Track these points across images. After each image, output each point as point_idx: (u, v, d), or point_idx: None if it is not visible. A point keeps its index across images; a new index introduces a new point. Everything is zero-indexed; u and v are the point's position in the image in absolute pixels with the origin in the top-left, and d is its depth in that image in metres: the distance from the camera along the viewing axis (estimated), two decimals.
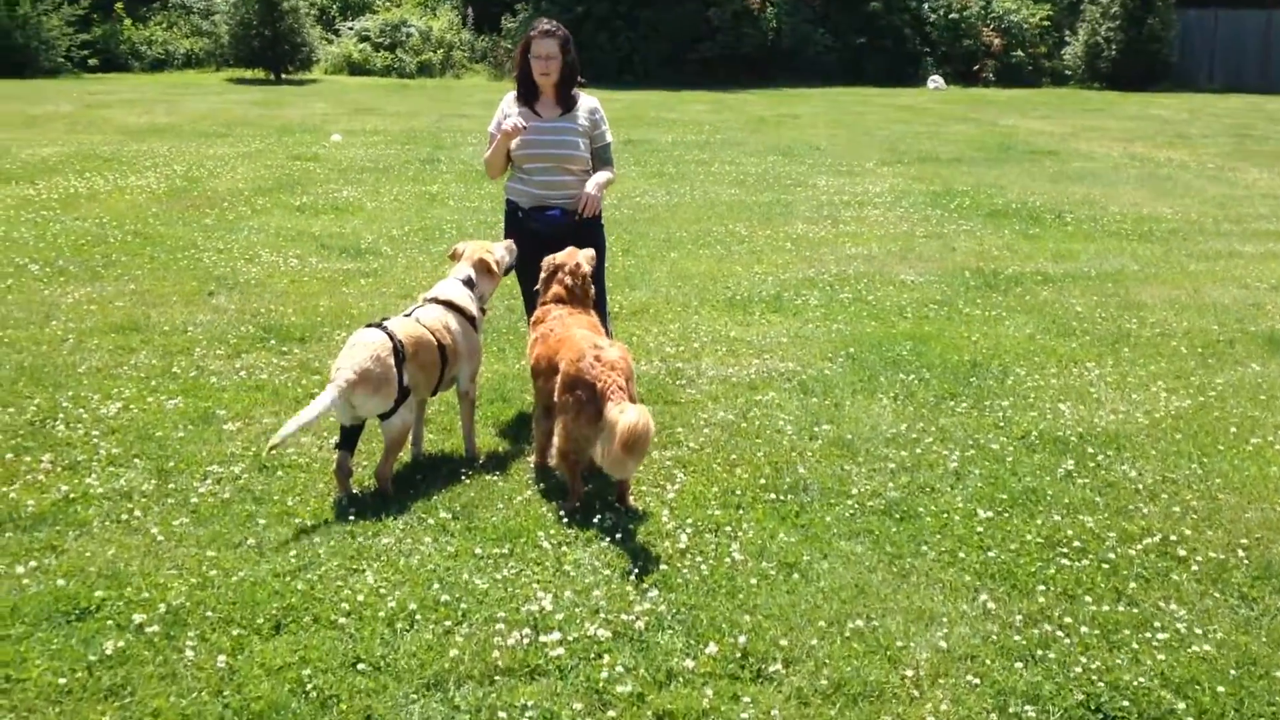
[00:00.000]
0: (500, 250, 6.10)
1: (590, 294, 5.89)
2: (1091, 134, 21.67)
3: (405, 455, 5.72)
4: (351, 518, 5.02)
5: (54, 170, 14.81)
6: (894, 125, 22.69)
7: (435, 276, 9.78)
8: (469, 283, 5.85)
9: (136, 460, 5.63)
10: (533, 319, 5.89)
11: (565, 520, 5.06)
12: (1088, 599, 4.51)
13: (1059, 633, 4.28)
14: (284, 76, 32.17)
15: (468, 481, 5.45)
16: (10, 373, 6.84)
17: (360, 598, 4.35)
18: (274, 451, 5.24)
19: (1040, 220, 12.67)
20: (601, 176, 6.30)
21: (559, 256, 5.90)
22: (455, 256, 6.08)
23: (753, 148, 18.84)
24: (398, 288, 9.29)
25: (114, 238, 10.83)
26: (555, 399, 5.21)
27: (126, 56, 33.96)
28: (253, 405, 6.43)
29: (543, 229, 6.25)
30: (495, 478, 5.52)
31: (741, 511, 5.21)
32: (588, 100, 6.42)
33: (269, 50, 31.60)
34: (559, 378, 5.18)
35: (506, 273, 6.17)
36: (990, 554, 4.84)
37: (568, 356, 5.17)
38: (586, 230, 6.33)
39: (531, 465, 5.67)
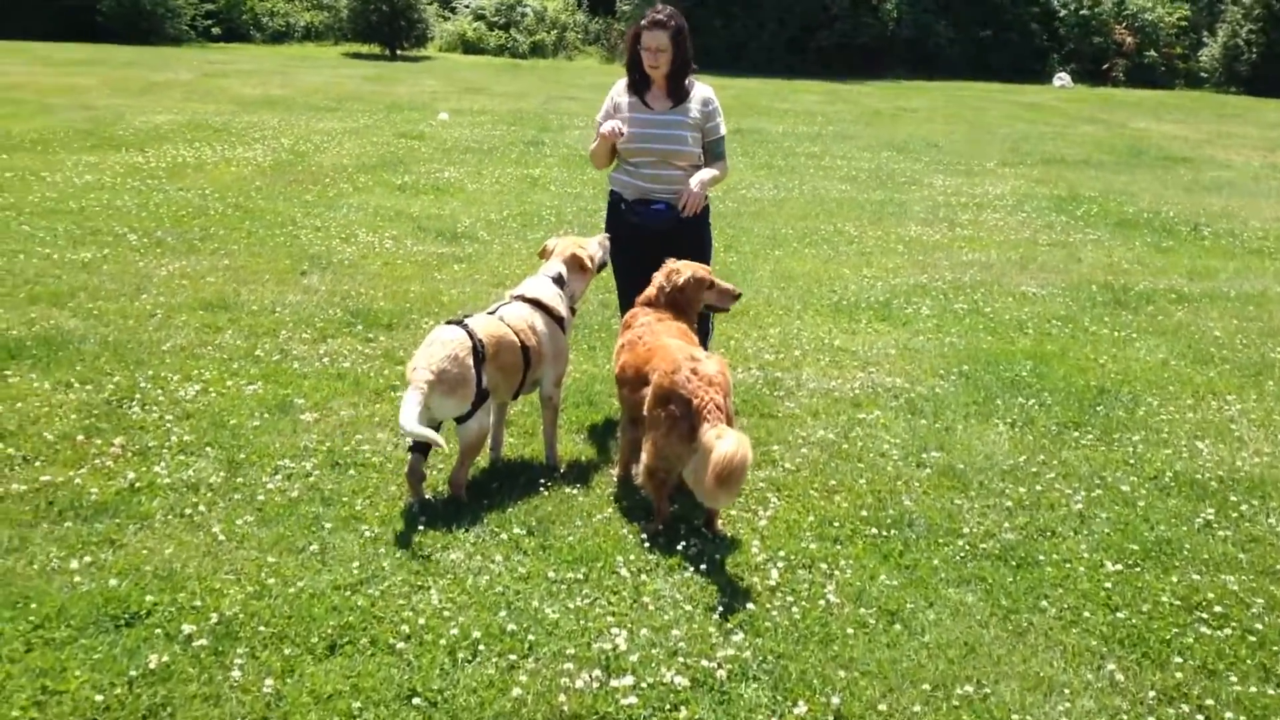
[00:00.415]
0: (594, 245, 5.75)
1: (691, 304, 5.48)
2: (1229, 141, 20.50)
3: (483, 460, 5.41)
4: (421, 527, 4.72)
5: (165, 138, 14.93)
6: (1016, 124, 21.78)
7: (529, 265, 9.48)
8: (559, 280, 5.52)
9: (208, 449, 5.41)
10: (623, 321, 5.52)
11: (647, 544, 4.68)
12: (1231, 676, 3.98)
13: (1198, 716, 3.77)
14: (399, 53, 32.39)
15: (546, 493, 5.11)
16: (94, 347, 6.71)
17: (422, 620, 4.03)
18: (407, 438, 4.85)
19: (1174, 233, 11.87)
20: (706, 174, 5.88)
21: (674, 262, 5.47)
22: (545, 255, 5.72)
23: (866, 142, 18.20)
24: (490, 275, 9.02)
25: (215, 210, 10.77)
26: (645, 412, 4.82)
27: (248, 27, 34.58)
28: (332, 395, 6.18)
29: (645, 223, 5.93)
30: (575, 490, 5.17)
31: (839, 546, 4.78)
32: (702, 90, 5.99)
33: (385, 26, 31.86)
34: (650, 390, 4.79)
35: (600, 269, 5.80)
36: (1119, 615, 4.33)
37: (661, 368, 4.77)
38: (690, 227, 5.95)
39: (614, 477, 5.31)
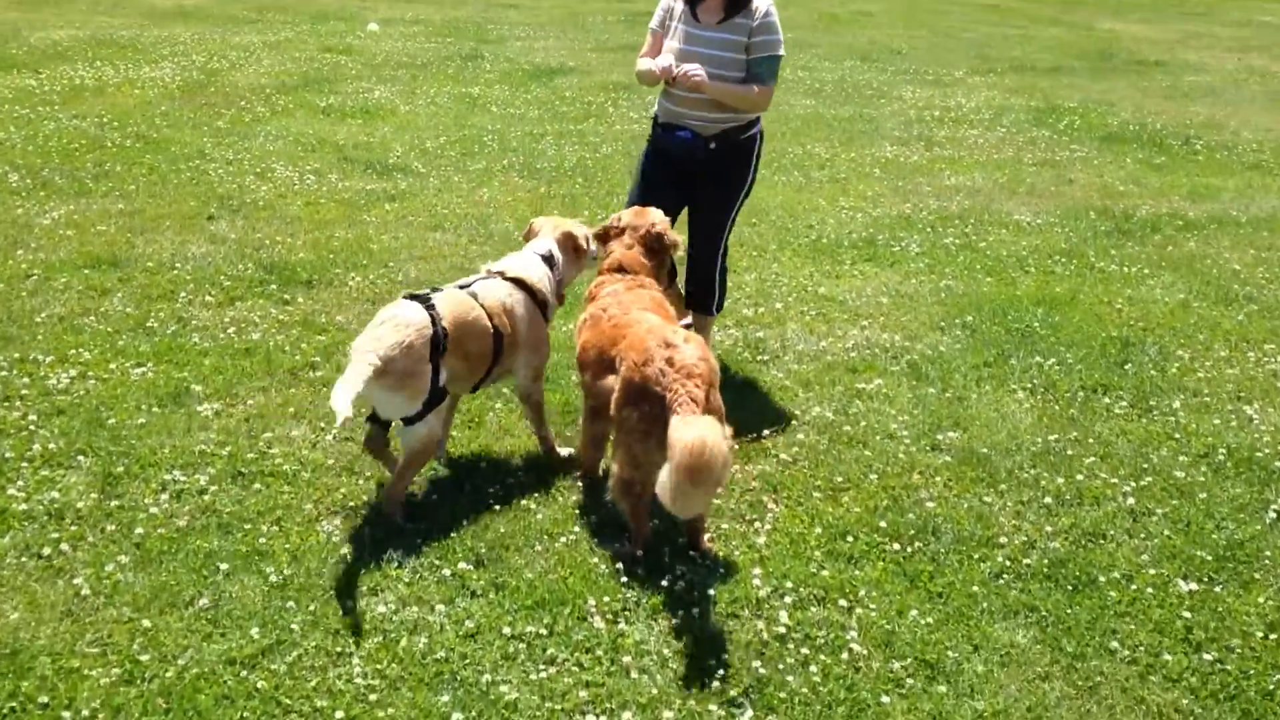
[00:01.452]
0: (585, 230, 4.85)
1: (664, 264, 4.61)
2: (1199, 41, 19.63)
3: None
4: (344, 558, 3.81)
5: (63, 57, 13.48)
6: (980, 26, 20.72)
7: (470, 202, 8.49)
8: (549, 260, 4.63)
9: (80, 458, 4.43)
10: (588, 291, 4.58)
11: (622, 574, 3.81)
12: None
13: None
14: None
15: (497, 507, 4.21)
16: None
17: (340, 713, 3.14)
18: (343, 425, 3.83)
19: (1165, 147, 11.03)
20: (725, 86, 4.98)
21: (625, 215, 4.68)
22: (531, 235, 4.83)
23: (826, 50, 17.10)
24: (427, 216, 7.97)
25: (112, 142, 9.54)
26: (614, 411, 3.91)
27: None
28: (237, 378, 5.20)
29: (673, 150, 5.23)
30: (531, 502, 4.27)
31: (856, 568, 3.94)
32: (763, 1, 5.05)
33: None
34: (619, 383, 3.88)
35: (593, 259, 4.88)
36: (1204, 656, 3.54)
37: (630, 357, 3.86)
38: (726, 159, 5.17)
39: (576, 482, 4.41)
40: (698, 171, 5.19)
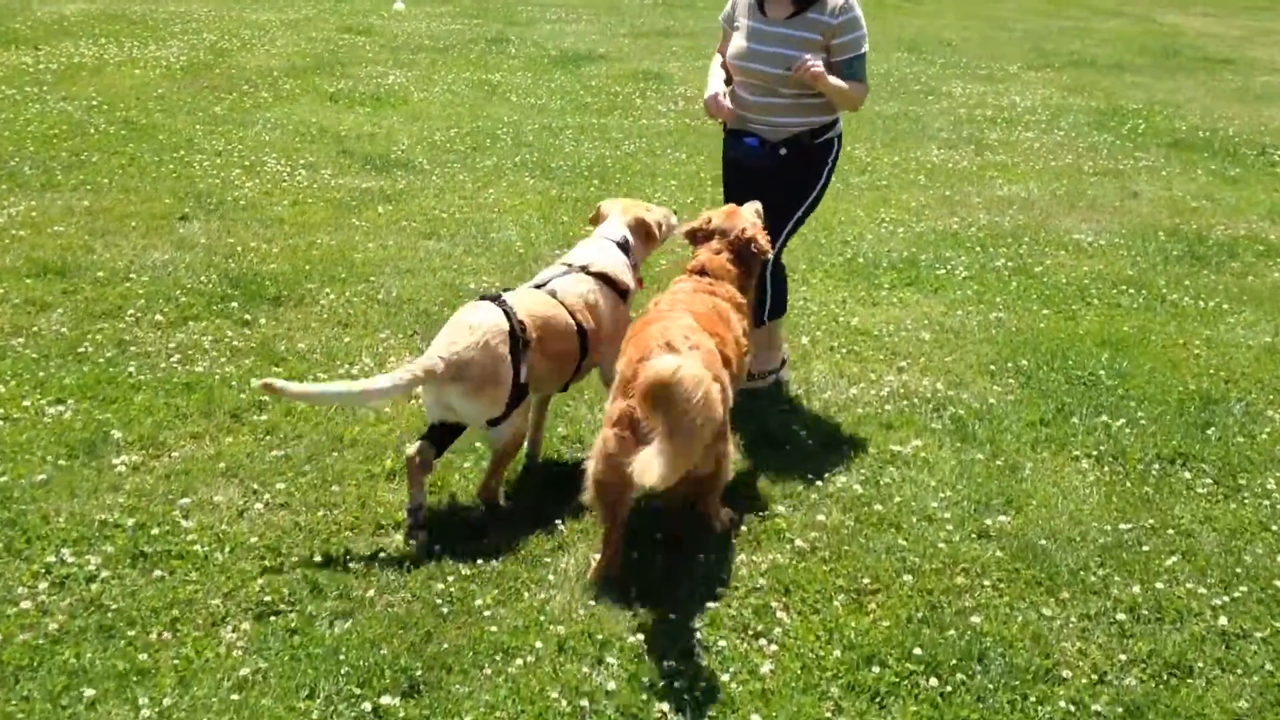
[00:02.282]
0: (660, 213, 4.73)
1: (753, 272, 4.39)
2: (1270, 39, 18.47)
3: (459, 483, 3.75)
4: (242, 681, 3.08)
5: (67, 33, 12.85)
6: (1035, 18, 19.67)
7: (473, 204, 7.73)
8: (624, 246, 4.49)
9: None
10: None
11: (588, 714, 3.05)
12: None
13: None
14: None
15: (444, 610, 3.45)
16: None
17: None
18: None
19: (1239, 158, 10.07)
20: (839, 84, 4.63)
21: (716, 216, 4.39)
22: (597, 220, 4.68)
23: (874, 40, 15.86)
24: (423, 220, 7.23)
25: (95, 128, 8.88)
26: (607, 403, 3.73)
27: None
28: (168, 420, 4.48)
29: (740, 159, 4.91)
30: (489, 600, 3.52)
31: (881, 710, 3.16)
32: None
33: None
34: (616, 376, 3.71)
35: (665, 240, 4.79)
36: None
37: (630, 352, 3.68)
38: (797, 165, 4.79)
39: (548, 579, 3.66)
40: (770, 179, 4.78)
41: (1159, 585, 3.76)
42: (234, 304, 5.68)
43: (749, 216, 4.39)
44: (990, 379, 5.36)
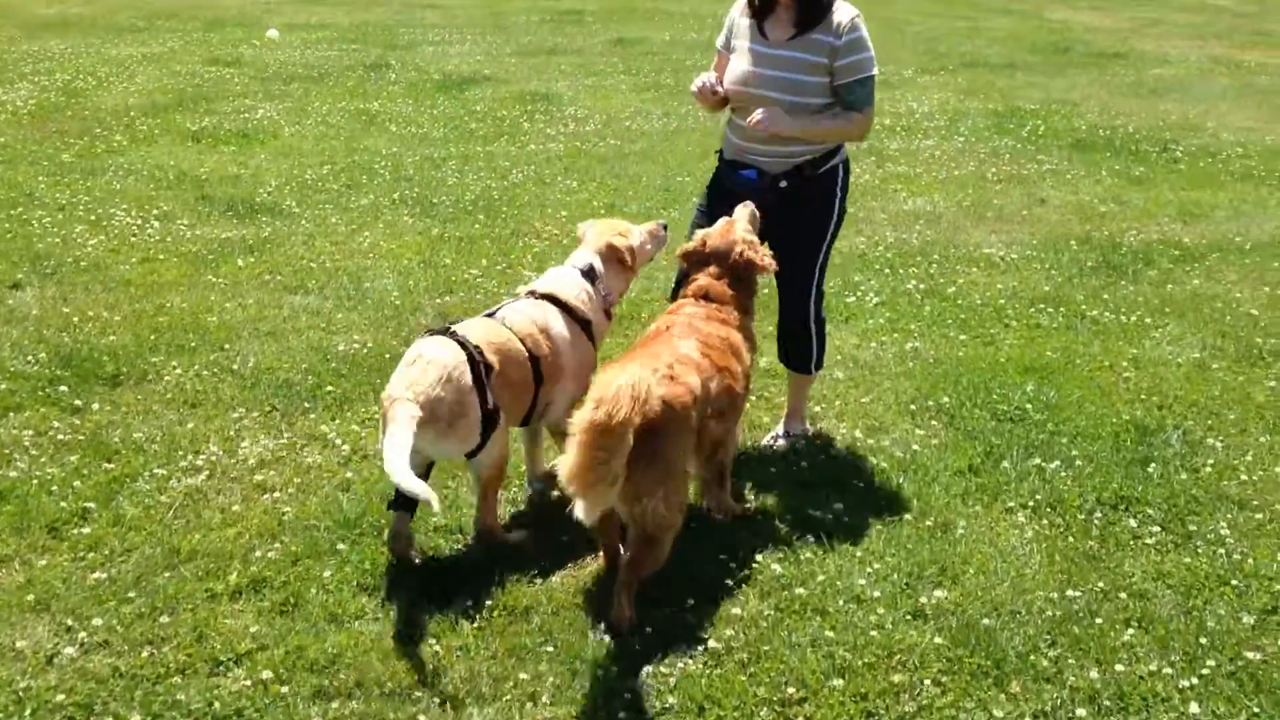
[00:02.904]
0: (639, 235, 4.45)
1: (753, 291, 4.28)
2: (1155, 30, 18.63)
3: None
4: None
5: None
6: (927, 19, 19.59)
7: (345, 251, 7.11)
8: (590, 274, 4.28)
9: None
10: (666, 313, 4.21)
11: None
12: None
13: None
14: None
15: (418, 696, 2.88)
16: None
17: None
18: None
19: (1142, 156, 9.88)
20: (817, 121, 4.28)
21: (711, 236, 4.21)
22: (582, 240, 4.49)
23: None
24: (289, 273, 6.60)
25: None
26: None
27: None
28: None
29: (740, 190, 4.48)
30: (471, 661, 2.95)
31: None
32: (844, 10, 4.30)
33: None
34: None
35: (647, 263, 4.61)
36: None
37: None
38: (801, 199, 4.41)
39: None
40: (773, 211, 4.41)
41: (1119, 667, 3.33)
42: (64, 387, 4.99)
43: (742, 231, 4.20)
44: (912, 420, 4.93)
